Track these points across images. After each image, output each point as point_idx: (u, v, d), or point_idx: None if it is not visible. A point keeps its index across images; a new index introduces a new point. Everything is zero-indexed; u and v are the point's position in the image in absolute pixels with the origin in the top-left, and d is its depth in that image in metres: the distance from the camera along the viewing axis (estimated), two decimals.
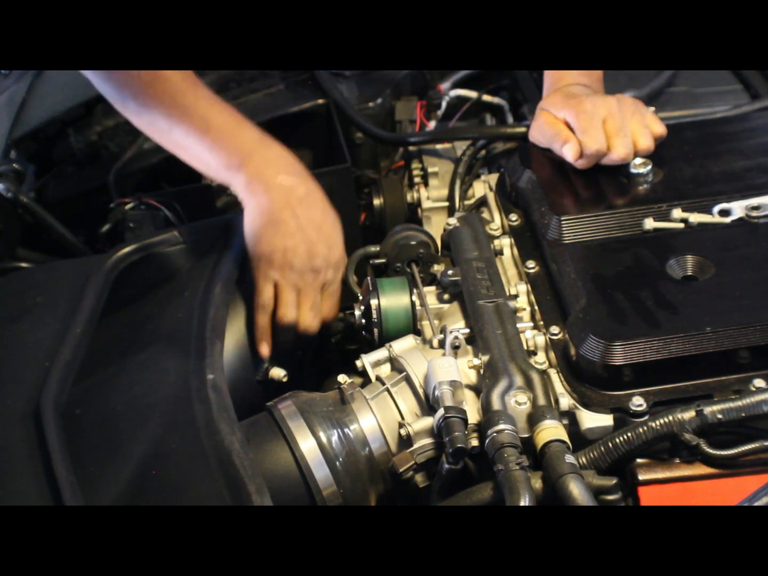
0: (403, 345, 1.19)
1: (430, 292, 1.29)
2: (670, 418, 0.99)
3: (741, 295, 1.08)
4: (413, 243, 1.36)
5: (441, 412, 1.04)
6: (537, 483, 0.97)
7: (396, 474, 1.09)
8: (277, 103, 1.79)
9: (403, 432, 1.10)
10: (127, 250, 1.38)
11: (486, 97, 1.83)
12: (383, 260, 1.37)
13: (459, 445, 1.00)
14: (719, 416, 0.99)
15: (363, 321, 1.28)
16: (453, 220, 1.34)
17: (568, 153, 1.29)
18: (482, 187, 1.49)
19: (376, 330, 1.26)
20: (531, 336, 1.15)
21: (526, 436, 1.02)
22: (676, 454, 1.02)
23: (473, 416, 1.08)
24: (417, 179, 1.67)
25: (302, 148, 1.82)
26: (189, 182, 1.62)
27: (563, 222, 1.22)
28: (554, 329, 1.14)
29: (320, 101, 1.76)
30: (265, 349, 1.29)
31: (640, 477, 1.01)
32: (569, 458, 0.96)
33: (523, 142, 1.45)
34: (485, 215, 1.41)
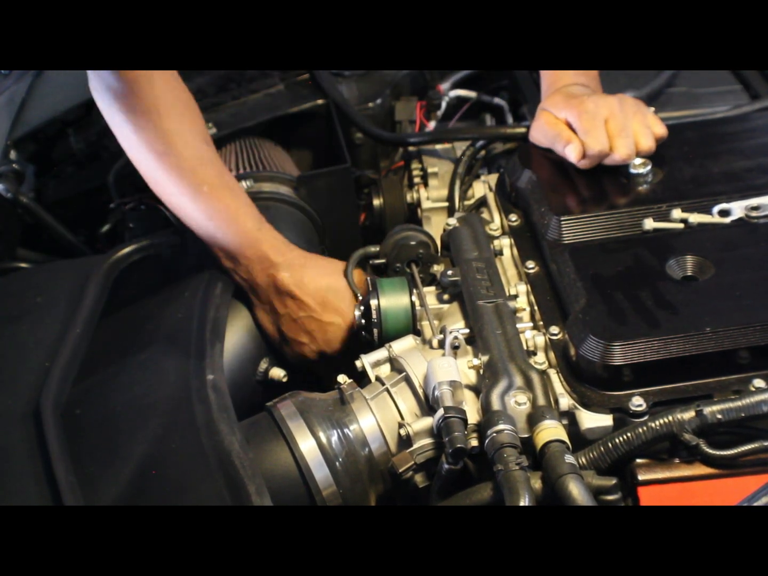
0: (403, 345, 1.19)
1: (429, 292, 1.29)
2: (670, 418, 0.99)
3: (741, 295, 1.08)
4: (413, 243, 1.36)
5: (441, 412, 1.04)
6: (537, 483, 0.97)
7: (396, 474, 1.09)
8: (277, 103, 1.79)
9: (402, 432, 1.10)
10: (127, 250, 1.38)
11: (486, 98, 1.83)
12: (383, 260, 1.37)
13: (459, 446, 1.00)
14: (719, 416, 0.99)
15: (362, 321, 1.28)
16: (453, 221, 1.34)
17: (571, 154, 1.29)
18: (482, 187, 1.49)
19: (375, 330, 1.26)
20: (531, 336, 1.15)
21: (526, 436, 1.02)
22: (675, 455, 1.02)
23: (473, 416, 1.08)
24: (417, 179, 1.67)
25: (302, 148, 1.82)
26: None
27: (563, 222, 1.22)
28: (554, 329, 1.14)
29: (320, 101, 1.76)
30: None
31: (640, 477, 1.01)
32: (569, 458, 0.96)
33: (523, 143, 1.45)
34: (485, 215, 1.41)
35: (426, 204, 1.60)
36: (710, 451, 0.99)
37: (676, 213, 1.21)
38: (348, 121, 1.72)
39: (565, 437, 1.00)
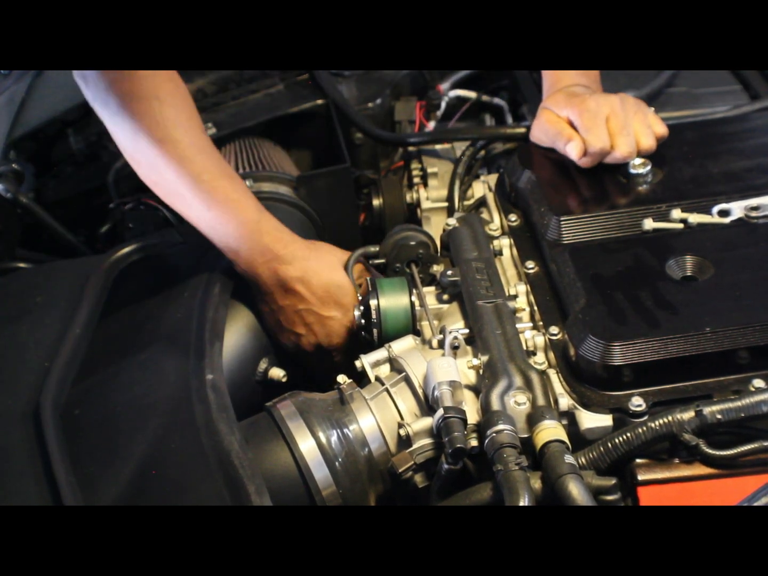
0: (403, 345, 1.19)
1: (429, 292, 1.29)
2: (670, 418, 0.99)
3: (740, 296, 1.08)
4: (412, 243, 1.36)
5: (440, 412, 1.04)
6: (536, 483, 0.97)
7: (395, 474, 1.09)
8: (276, 103, 1.79)
9: (402, 432, 1.10)
10: (126, 250, 1.38)
11: (485, 98, 1.83)
12: (383, 260, 1.37)
13: (458, 446, 1.00)
14: (718, 416, 0.99)
15: (362, 321, 1.28)
16: (452, 221, 1.34)
17: (572, 151, 1.29)
18: (481, 187, 1.49)
19: (375, 330, 1.26)
20: (530, 336, 1.15)
21: (526, 436, 1.02)
22: (675, 455, 1.02)
23: (472, 416, 1.08)
24: (416, 180, 1.67)
25: (302, 148, 1.82)
26: None
27: (562, 222, 1.22)
28: (553, 329, 1.14)
29: (320, 101, 1.76)
30: None
31: (640, 477, 1.01)
32: (568, 458, 0.96)
33: (523, 143, 1.45)
34: (484, 215, 1.41)
35: (425, 204, 1.60)
36: (710, 451, 0.99)
37: (676, 213, 1.21)
38: (348, 121, 1.72)
39: (564, 437, 1.00)
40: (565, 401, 1.06)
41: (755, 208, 1.20)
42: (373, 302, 1.26)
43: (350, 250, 1.38)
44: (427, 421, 1.09)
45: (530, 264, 1.24)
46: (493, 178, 1.46)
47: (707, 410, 0.99)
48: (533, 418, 1.02)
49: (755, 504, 0.84)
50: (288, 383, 1.34)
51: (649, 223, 1.21)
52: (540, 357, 1.14)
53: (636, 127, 1.28)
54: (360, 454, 1.12)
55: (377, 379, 1.17)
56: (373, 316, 1.26)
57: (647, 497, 1.01)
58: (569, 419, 1.07)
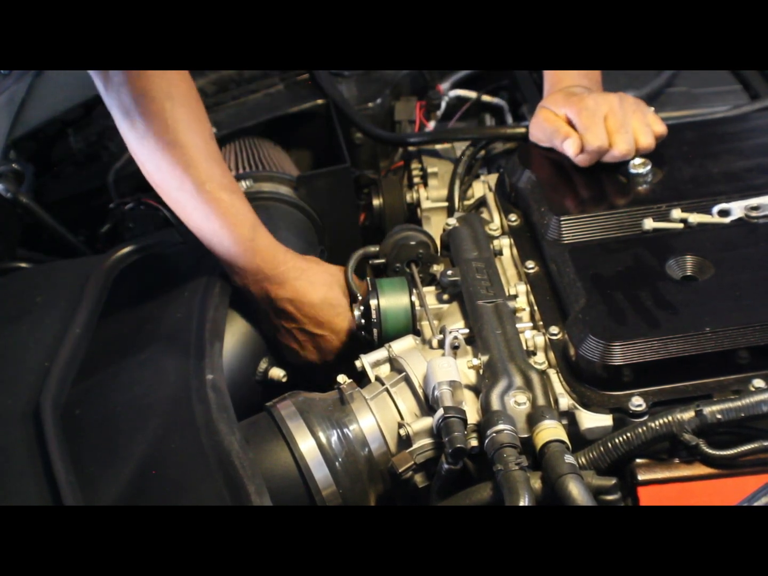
0: (403, 345, 1.19)
1: (429, 292, 1.29)
2: (670, 418, 0.99)
3: (740, 295, 1.08)
4: (413, 243, 1.36)
5: (440, 412, 1.04)
6: (536, 483, 0.97)
7: (395, 474, 1.09)
8: (276, 103, 1.79)
9: (402, 432, 1.10)
10: (126, 250, 1.38)
11: (485, 98, 1.83)
12: (383, 260, 1.37)
13: (458, 446, 1.00)
14: (718, 416, 0.99)
15: (362, 321, 1.28)
16: (452, 221, 1.34)
17: (569, 148, 1.29)
18: (482, 187, 1.49)
19: (375, 330, 1.26)
20: (530, 336, 1.15)
21: (526, 436, 1.02)
22: (675, 455, 1.02)
23: (473, 416, 1.08)
24: (416, 179, 1.67)
25: (302, 148, 1.82)
26: None
27: (562, 222, 1.22)
28: (554, 329, 1.14)
29: (320, 101, 1.76)
30: None
31: (640, 477, 1.01)
32: (569, 458, 0.96)
33: (523, 143, 1.45)
34: (485, 215, 1.41)
35: (426, 204, 1.60)
36: (710, 451, 0.99)
37: (676, 213, 1.21)
38: (348, 121, 1.72)
39: (564, 437, 1.00)
40: (565, 401, 1.06)
41: (755, 208, 1.20)
42: (373, 302, 1.26)
43: (350, 250, 1.38)
44: (427, 421, 1.09)
45: (530, 264, 1.24)
46: (493, 178, 1.46)
47: (707, 410, 0.99)
48: (533, 418, 1.02)
49: (755, 504, 0.84)
50: (288, 383, 1.34)
51: (649, 223, 1.21)
52: (540, 357, 1.14)
53: (634, 125, 1.28)
54: (360, 454, 1.12)
55: (377, 379, 1.17)
56: (373, 316, 1.26)
57: (647, 497, 1.01)
58: (569, 419, 1.07)
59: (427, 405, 1.11)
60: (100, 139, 1.76)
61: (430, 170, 1.62)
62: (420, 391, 1.12)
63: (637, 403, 1.02)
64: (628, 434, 1.00)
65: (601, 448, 1.01)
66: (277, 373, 1.35)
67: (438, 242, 1.37)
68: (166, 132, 1.21)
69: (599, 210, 1.24)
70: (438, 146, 1.68)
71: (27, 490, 1.04)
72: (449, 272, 1.25)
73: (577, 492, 0.92)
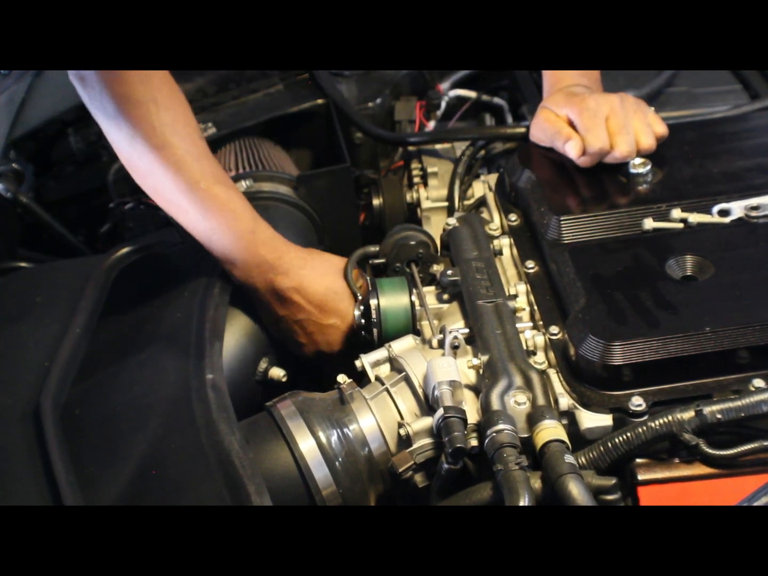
0: (403, 345, 1.19)
1: (429, 292, 1.29)
2: (670, 418, 0.99)
3: (740, 296, 1.08)
4: (413, 243, 1.36)
5: (440, 412, 1.04)
6: (536, 483, 0.97)
7: (395, 474, 1.09)
8: (276, 103, 1.79)
9: (402, 432, 1.10)
10: (126, 250, 1.38)
11: (485, 97, 1.83)
12: (383, 260, 1.37)
13: (458, 445, 1.00)
14: (718, 416, 0.99)
15: (362, 321, 1.28)
16: (452, 220, 1.34)
17: (571, 150, 1.29)
18: (481, 187, 1.49)
19: (375, 330, 1.26)
20: (530, 336, 1.15)
21: (526, 436, 1.02)
22: (675, 454, 1.02)
23: (473, 416, 1.08)
24: (416, 179, 1.67)
25: (302, 148, 1.82)
26: None
27: (562, 222, 1.22)
28: (554, 329, 1.14)
29: (320, 101, 1.76)
30: None
31: (640, 477, 1.01)
32: (569, 458, 0.96)
33: (523, 143, 1.45)
34: (484, 215, 1.41)
35: (426, 204, 1.60)
36: (710, 451, 0.99)
37: (676, 213, 1.21)
38: (348, 120, 1.72)
39: (564, 437, 1.00)
40: (565, 401, 1.06)
41: (755, 208, 1.20)
42: (373, 302, 1.26)
43: (350, 250, 1.38)
44: (427, 421, 1.09)
45: (530, 264, 1.24)
46: (493, 178, 1.46)
47: (707, 410, 0.99)
48: (533, 418, 1.02)
49: (755, 504, 0.84)
50: (288, 383, 1.34)
51: (649, 223, 1.21)
52: (540, 357, 1.14)
53: (636, 126, 1.28)
54: (360, 454, 1.12)
55: (377, 378, 1.17)
56: (373, 315, 1.26)
57: (647, 497, 1.01)
58: (569, 419, 1.07)
59: (427, 405, 1.11)
60: (100, 139, 1.76)
61: (430, 170, 1.62)
62: (420, 391, 1.12)
63: (637, 402, 1.02)
64: (628, 434, 1.00)
65: (601, 448, 1.01)
66: (277, 373, 1.35)
67: (438, 242, 1.37)
68: (154, 135, 1.21)
69: (599, 210, 1.24)
70: (438, 146, 1.68)
71: (27, 490, 1.04)
72: (449, 272, 1.25)
73: (577, 492, 0.92)
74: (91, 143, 1.78)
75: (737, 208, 1.20)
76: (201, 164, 1.25)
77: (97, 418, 1.15)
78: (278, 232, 1.35)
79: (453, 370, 1.08)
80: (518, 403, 1.04)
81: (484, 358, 1.11)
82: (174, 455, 1.08)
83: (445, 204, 1.57)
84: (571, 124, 1.31)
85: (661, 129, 1.31)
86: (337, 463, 1.10)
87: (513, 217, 1.33)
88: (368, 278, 1.31)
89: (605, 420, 1.04)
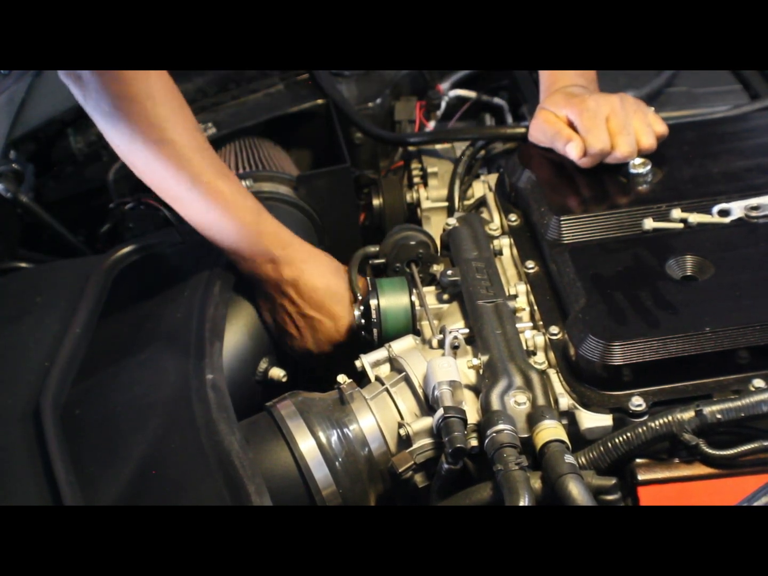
0: (403, 345, 1.19)
1: (429, 292, 1.29)
2: (670, 418, 0.99)
3: (740, 295, 1.08)
4: (413, 243, 1.36)
5: (440, 412, 1.04)
6: (536, 483, 0.97)
7: (395, 474, 1.09)
8: (276, 103, 1.79)
9: (402, 432, 1.10)
10: (126, 250, 1.38)
11: (485, 98, 1.83)
12: (383, 260, 1.37)
13: (458, 445, 1.01)
14: (718, 416, 0.99)
15: (362, 321, 1.28)
16: (452, 220, 1.34)
17: (572, 152, 1.29)
18: (481, 187, 1.49)
19: (375, 330, 1.26)
20: (530, 336, 1.15)
21: (526, 436, 1.02)
22: (675, 454, 1.02)
23: (473, 416, 1.08)
24: (416, 179, 1.67)
25: (302, 148, 1.82)
26: None
27: (562, 222, 1.22)
28: (554, 329, 1.14)
29: (320, 101, 1.76)
30: None
31: (640, 477, 1.01)
32: (569, 458, 0.96)
33: (523, 143, 1.45)
34: (484, 215, 1.41)
35: (426, 204, 1.60)
36: (710, 451, 0.99)
37: (676, 213, 1.21)
38: (348, 120, 1.72)
39: (564, 437, 1.00)
40: (565, 401, 1.06)
41: (755, 208, 1.20)
42: (373, 302, 1.26)
43: (350, 250, 1.38)
44: (427, 421, 1.09)
45: (530, 264, 1.24)
46: (493, 178, 1.46)
47: (707, 410, 0.99)
48: (533, 418, 1.02)
49: (755, 504, 0.84)
50: (288, 383, 1.34)
51: (649, 223, 1.21)
52: (540, 357, 1.14)
53: (636, 126, 1.28)
54: (360, 454, 1.12)
55: (377, 378, 1.17)
56: (373, 315, 1.26)
57: (647, 497, 1.01)
58: (569, 419, 1.07)
59: (427, 405, 1.11)
60: (100, 139, 1.75)
61: (430, 170, 1.62)
62: (420, 391, 1.12)
63: (637, 403, 1.02)
64: (628, 434, 1.00)
65: (601, 448, 1.01)
66: (277, 373, 1.34)
67: (438, 242, 1.37)
68: (152, 131, 1.21)
69: (599, 210, 1.24)
70: (438, 146, 1.68)
71: (27, 490, 1.04)
72: (449, 272, 1.25)
73: (577, 492, 0.92)
74: (91, 143, 1.78)
75: (737, 208, 1.20)
76: (201, 157, 1.25)
77: (97, 418, 1.15)
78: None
79: (453, 370, 1.08)
80: (518, 403, 1.04)
81: (484, 358, 1.11)
82: (174, 455, 1.08)
83: (445, 204, 1.57)
84: (571, 125, 1.31)
85: (661, 129, 1.31)
86: (337, 463, 1.10)
87: (513, 217, 1.33)
88: (368, 278, 1.31)
89: (605, 420, 1.04)
